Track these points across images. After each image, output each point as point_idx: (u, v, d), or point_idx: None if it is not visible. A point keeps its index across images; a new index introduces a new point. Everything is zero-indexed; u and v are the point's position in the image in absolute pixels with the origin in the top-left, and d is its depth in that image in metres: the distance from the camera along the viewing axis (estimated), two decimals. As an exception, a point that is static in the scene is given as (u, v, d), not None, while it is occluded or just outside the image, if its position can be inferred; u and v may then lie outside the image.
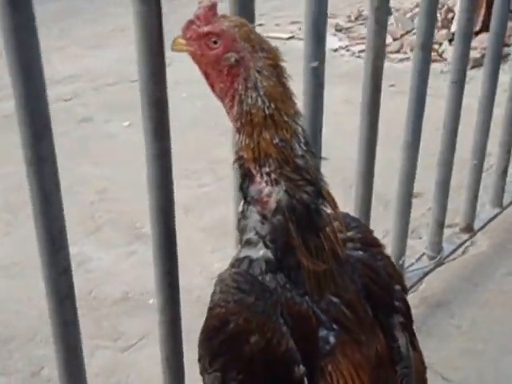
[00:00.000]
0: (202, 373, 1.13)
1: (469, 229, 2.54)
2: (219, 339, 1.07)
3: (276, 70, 1.06)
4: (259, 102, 1.04)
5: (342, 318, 1.08)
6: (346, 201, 2.92)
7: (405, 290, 1.24)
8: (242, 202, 1.10)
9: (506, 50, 4.43)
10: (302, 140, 1.06)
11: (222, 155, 3.39)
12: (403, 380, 1.15)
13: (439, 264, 2.41)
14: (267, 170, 1.04)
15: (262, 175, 1.05)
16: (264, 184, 1.05)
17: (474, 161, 2.47)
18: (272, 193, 1.04)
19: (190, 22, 1.07)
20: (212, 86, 1.09)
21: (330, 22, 5.44)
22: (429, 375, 1.76)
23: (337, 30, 5.21)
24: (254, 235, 1.07)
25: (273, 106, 1.04)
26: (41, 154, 1.14)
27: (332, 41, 4.93)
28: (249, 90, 1.04)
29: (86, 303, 2.41)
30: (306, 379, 1.04)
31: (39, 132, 1.13)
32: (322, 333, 1.07)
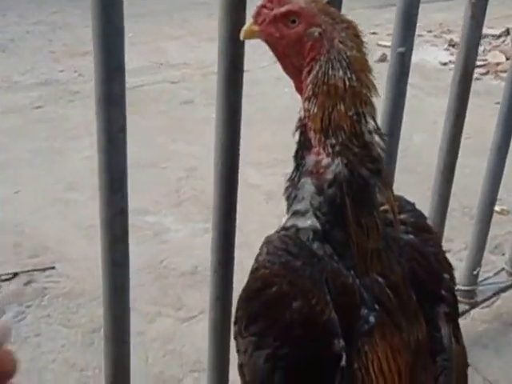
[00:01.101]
0: (236, 337, 1.09)
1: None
2: (260, 301, 1.04)
3: (357, 40, 1.04)
4: (341, 73, 1.02)
5: (385, 299, 1.04)
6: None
7: (453, 281, 1.18)
8: (292, 170, 1.08)
9: None
10: (374, 117, 1.04)
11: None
12: (442, 372, 1.09)
13: (518, 282, 2.30)
14: (333, 141, 1.01)
15: (324, 147, 1.02)
16: (324, 155, 1.02)
17: None
18: (330, 165, 1.01)
19: (261, 7, 1.06)
20: (285, 66, 1.08)
21: (445, 36, 5.33)
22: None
23: (450, 45, 5.10)
24: (303, 206, 1.05)
25: (354, 77, 1.02)
26: (111, 93, 1.17)
27: (442, 55, 4.91)
28: (331, 61, 1.02)
29: (155, 270, 2.46)
30: (344, 355, 0.99)
31: (111, 71, 1.16)
32: (363, 311, 1.02)
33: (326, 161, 1.02)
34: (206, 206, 2.87)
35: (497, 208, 2.86)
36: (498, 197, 2.86)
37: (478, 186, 2.17)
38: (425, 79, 4.54)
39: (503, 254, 2.49)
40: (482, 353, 2.08)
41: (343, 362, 0.99)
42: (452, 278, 1.17)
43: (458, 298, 2.15)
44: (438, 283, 1.12)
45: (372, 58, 4.78)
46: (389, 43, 5.02)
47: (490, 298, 2.24)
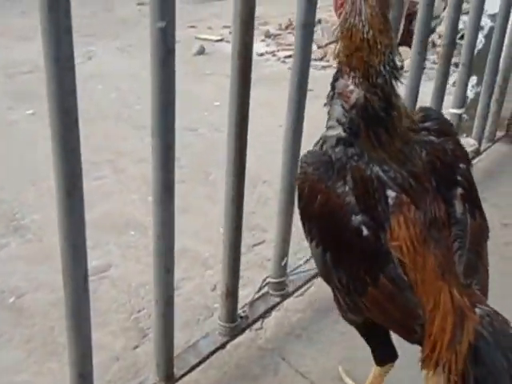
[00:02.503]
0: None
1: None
2: (300, 207, 1.42)
3: (380, 1, 1.27)
4: (360, 26, 1.28)
5: (407, 185, 1.34)
6: (249, 197, 2.79)
7: (469, 170, 1.44)
8: (330, 92, 1.38)
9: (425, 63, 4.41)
10: (390, 64, 1.30)
11: (128, 148, 3.24)
12: (456, 240, 1.34)
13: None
14: (354, 75, 1.31)
15: (350, 76, 1.32)
16: (350, 82, 1.32)
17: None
18: (354, 91, 1.32)
19: None
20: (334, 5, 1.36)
21: (261, 28, 5.39)
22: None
23: (266, 37, 5.18)
24: (335, 122, 1.36)
25: (371, 32, 1.27)
26: None
27: (259, 46, 4.95)
28: (353, 13, 1.28)
29: None
30: (364, 227, 1.31)
31: None
32: (386, 193, 1.32)
33: (351, 87, 1.32)
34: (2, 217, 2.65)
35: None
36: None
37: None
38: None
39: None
40: (294, 344, 2.03)
41: (365, 232, 1.30)
42: (468, 167, 1.44)
43: (270, 291, 2.11)
44: (454, 171, 1.40)
45: (190, 50, 4.71)
46: (207, 36, 5.04)
47: (302, 286, 2.20)
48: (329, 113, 1.39)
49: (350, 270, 1.36)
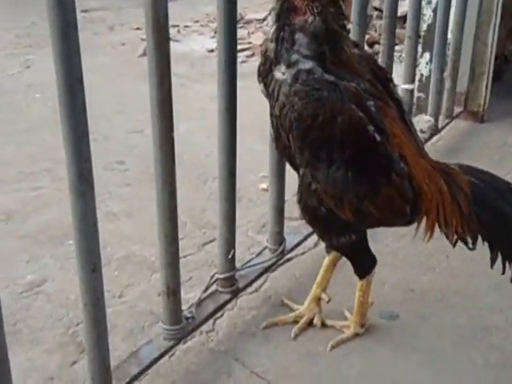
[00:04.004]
0: (306, 169, 1.57)
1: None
2: (316, 133, 1.49)
3: None
4: None
5: (374, 92, 1.58)
6: (199, 194, 2.62)
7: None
8: (275, 32, 1.52)
9: (376, 47, 4.30)
10: None
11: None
12: (407, 117, 1.70)
13: (282, 258, 2.12)
14: (317, 4, 1.48)
15: (310, 9, 1.48)
16: (309, 14, 1.48)
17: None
18: (313, 21, 1.48)
19: None
20: None
21: (211, 26, 5.25)
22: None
23: (216, 33, 5.02)
24: (299, 54, 1.50)
25: None
26: None
27: (209, 42, 4.86)
28: None
29: None
30: (376, 134, 1.51)
31: None
32: (369, 103, 1.53)
33: (311, 18, 1.48)
34: None
35: (264, 185, 2.71)
36: (265, 174, 2.73)
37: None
38: (192, 67, 4.40)
39: (268, 234, 2.31)
40: (249, 343, 1.85)
41: (378, 138, 1.52)
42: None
43: (218, 288, 1.94)
44: (385, 71, 1.73)
45: (136, 52, 4.57)
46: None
47: (254, 281, 2.02)
48: (277, 54, 1.52)
49: (368, 178, 1.54)
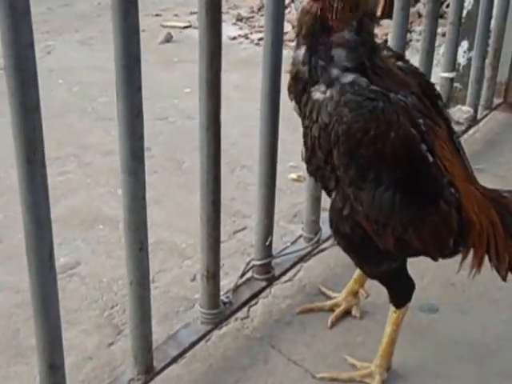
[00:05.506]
0: (349, 185, 1.40)
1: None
2: (364, 148, 1.36)
3: None
4: None
5: (422, 108, 1.45)
6: (227, 183, 2.63)
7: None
8: (306, 51, 1.42)
9: (408, 35, 4.24)
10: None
11: (92, 141, 3.04)
12: (456, 139, 1.56)
13: (317, 247, 2.10)
14: (354, 23, 1.39)
15: (348, 26, 1.39)
16: (347, 32, 1.39)
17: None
18: (351, 35, 1.39)
19: None
20: None
21: (232, 12, 5.21)
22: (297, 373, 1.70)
23: (238, 20, 5.01)
24: (338, 69, 1.39)
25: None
26: None
27: (231, 30, 4.77)
28: None
29: None
30: (428, 154, 1.39)
31: None
32: (419, 121, 1.41)
33: (349, 35, 1.39)
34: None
35: (293, 175, 2.70)
36: (294, 164, 2.72)
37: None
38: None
39: (303, 222, 2.29)
40: (285, 332, 1.84)
41: (430, 159, 1.39)
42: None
43: (254, 275, 1.93)
44: (433, 87, 1.60)
45: (157, 39, 4.53)
46: (174, 23, 4.86)
47: (289, 269, 2.01)
48: (312, 74, 1.41)
49: (416, 204, 1.40)
